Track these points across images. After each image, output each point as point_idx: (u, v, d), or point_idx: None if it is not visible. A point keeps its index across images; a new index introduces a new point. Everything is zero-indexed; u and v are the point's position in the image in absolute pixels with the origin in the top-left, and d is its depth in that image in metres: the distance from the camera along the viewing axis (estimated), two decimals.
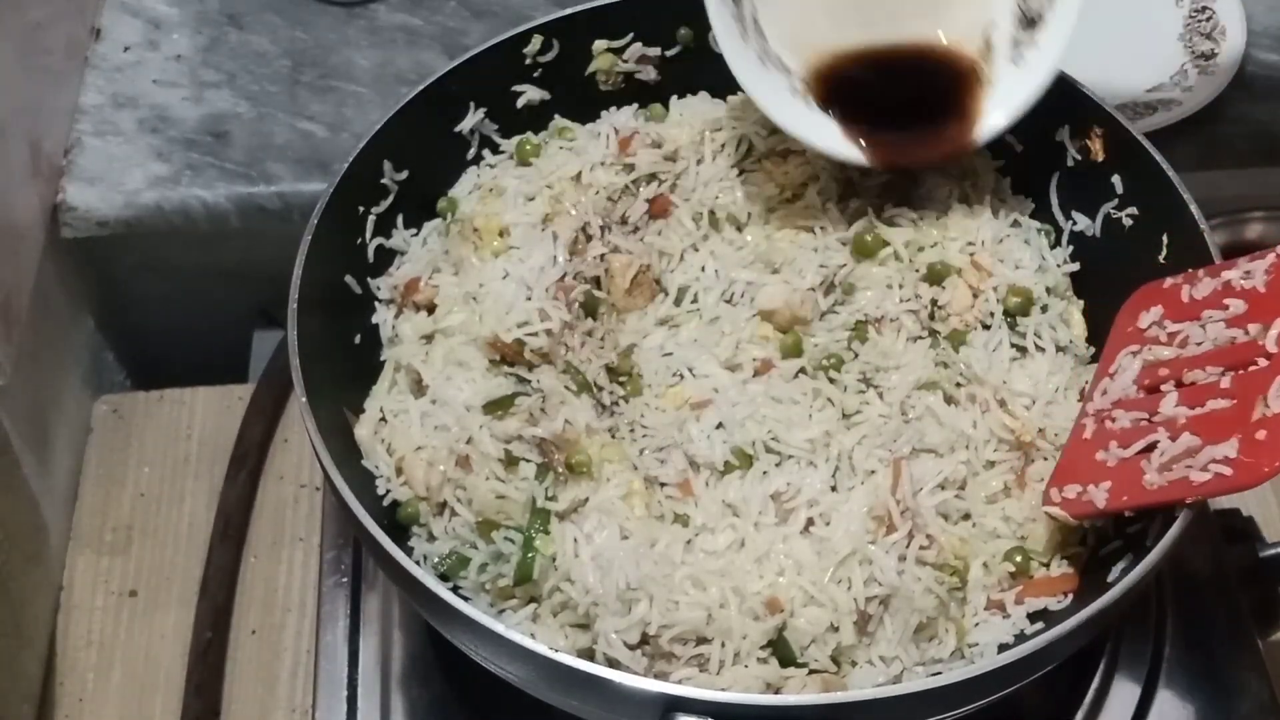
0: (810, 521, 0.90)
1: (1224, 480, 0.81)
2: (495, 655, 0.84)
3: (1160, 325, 0.93)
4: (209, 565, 1.20)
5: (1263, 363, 0.84)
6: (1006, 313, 1.01)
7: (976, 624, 0.91)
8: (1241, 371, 0.85)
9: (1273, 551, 1.11)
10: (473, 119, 1.09)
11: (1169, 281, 0.95)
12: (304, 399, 0.89)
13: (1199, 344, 0.89)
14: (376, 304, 1.04)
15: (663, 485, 0.93)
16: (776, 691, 0.86)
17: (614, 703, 0.80)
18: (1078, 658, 0.89)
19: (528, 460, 0.92)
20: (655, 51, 1.13)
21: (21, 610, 1.12)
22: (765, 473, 0.92)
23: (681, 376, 0.98)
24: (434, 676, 1.06)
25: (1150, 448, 0.86)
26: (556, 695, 0.84)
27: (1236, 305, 0.89)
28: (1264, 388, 0.82)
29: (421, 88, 1.06)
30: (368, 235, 1.04)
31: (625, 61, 1.12)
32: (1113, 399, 0.92)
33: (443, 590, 0.82)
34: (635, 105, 1.12)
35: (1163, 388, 0.89)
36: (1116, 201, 1.03)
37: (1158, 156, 1.01)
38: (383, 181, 1.05)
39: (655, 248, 1.03)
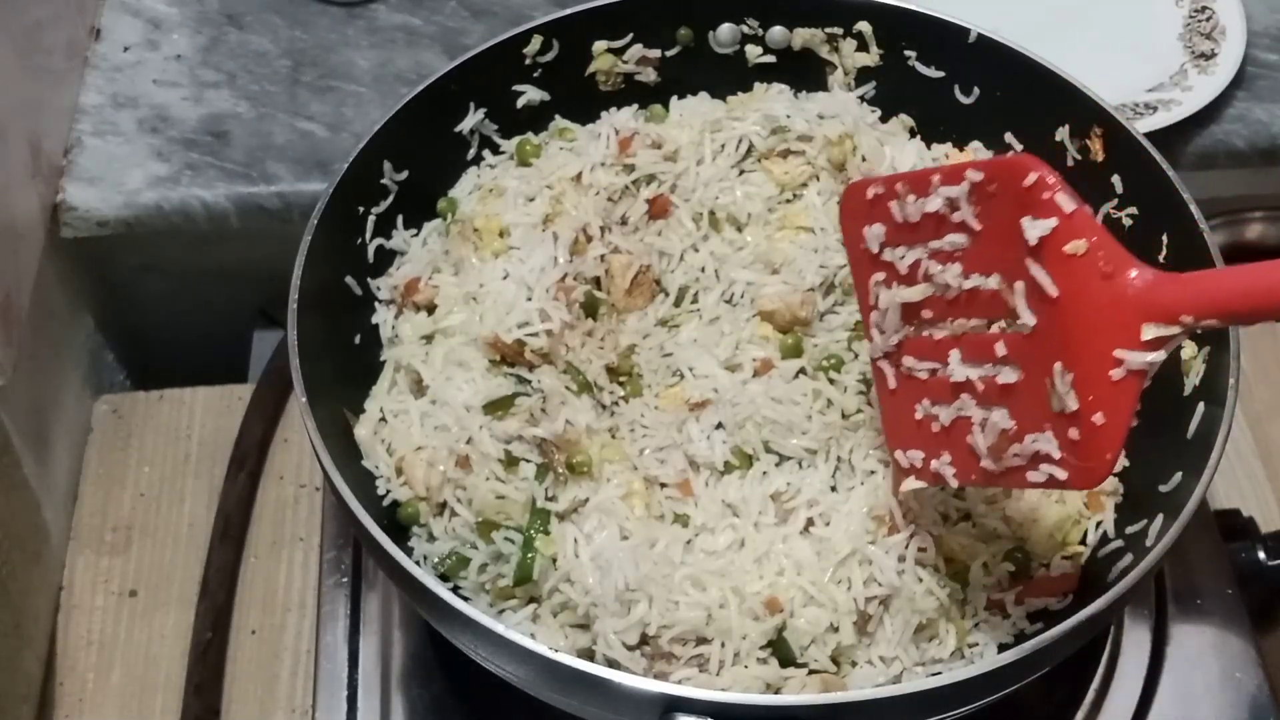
0: (810, 522, 0.90)
1: (1058, 482, 0.78)
2: (495, 655, 0.84)
3: (893, 250, 0.85)
4: (209, 565, 1.20)
5: (1026, 323, 0.77)
6: None
7: (976, 624, 0.91)
8: (1008, 331, 0.79)
9: None
10: (473, 119, 1.09)
11: (871, 191, 0.86)
12: (304, 399, 0.89)
13: (945, 286, 0.81)
14: (376, 304, 1.04)
15: (663, 485, 0.93)
16: (776, 692, 0.86)
17: (614, 703, 0.80)
18: (1078, 657, 0.89)
19: (528, 460, 0.92)
20: (655, 53, 1.13)
21: (21, 610, 1.12)
22: (765, 473, 0.93)
23: (681, 376, 0.98)
24: (434, 676, 1.06)
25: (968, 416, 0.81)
26: (556, 695, 0.84)
27: (958, 240, 0.81)
28: (1045, 369, 0.76)
29: (421, 88, 1.05)
30: (368, 235, 1.04)
31: (625, 62, 1.12)
32: (893, 340, 0.86)
33: (443, 590, 0.82)
34: (635, 106, 1.12)
35: (936, 334, 0.83)
36: (1116, 201, 1.03)
37: (1158, 156, 1.00)
38: (383, 181, 1.05)
39: (655, 248, 1.03)
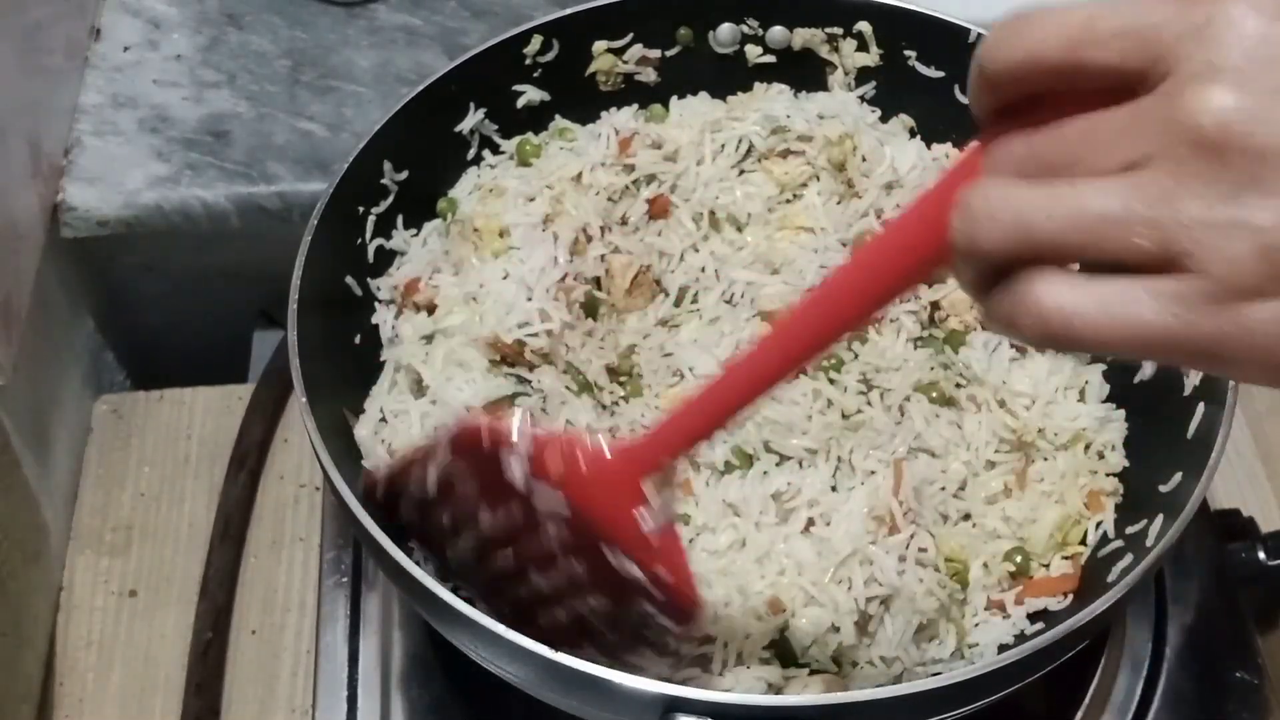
0: (810, 521, 0.90)
1: (672, 633, 0.82)
2: (495, 655, 0.83)
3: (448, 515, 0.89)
4: (209, 565, 1.20)
5: (557, 533, 0.82)
6: None
7: (976, 624, 0.91)
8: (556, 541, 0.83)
9: None
10: (473, 119, 1.09)
11: (383, 487, 0.91)
12: (304, 399, 0.89)
13: (494, 529, 0.85)
14: (376, 304, 1.04)
15: None
16: (778, 692, 0.86)
17: (614, 703, 0.80)
18: (1078, 658, 0.89)
19: None
20: (655, 53, 1.13)
21: (21, 610, 1.12)
22: (765, 473, 0.93)
23: (682, 377, 0.98)
24: (434, 676, 1.06)
25: None
26: (556, 695, 0.84)
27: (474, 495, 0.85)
28: (599, 552, 0.80)
29: (421, 88, 1.05)
30: (368, 236, 1.04)
31: (625, 62, 1.12)
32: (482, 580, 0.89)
33: (443, 590, 0.82)
34: (635, 106, 1.12)
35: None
36: None
37: None
38: (383, 181, 1.05)
39: (655, 248, 1.03)
